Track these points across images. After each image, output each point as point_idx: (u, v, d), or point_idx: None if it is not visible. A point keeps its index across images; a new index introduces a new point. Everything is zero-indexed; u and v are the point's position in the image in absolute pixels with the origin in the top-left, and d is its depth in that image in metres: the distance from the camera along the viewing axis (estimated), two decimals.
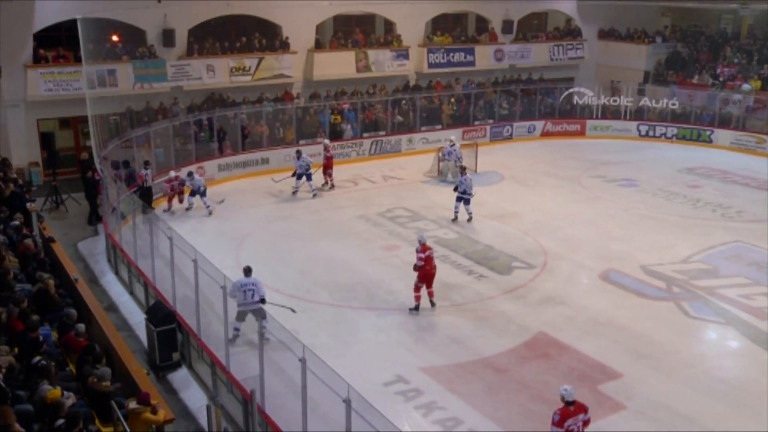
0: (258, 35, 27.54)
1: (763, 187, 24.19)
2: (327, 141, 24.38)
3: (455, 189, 20.13)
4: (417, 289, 14.76)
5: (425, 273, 14.66)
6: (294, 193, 22.39)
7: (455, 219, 20.22)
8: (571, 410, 9.19)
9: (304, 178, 22.21)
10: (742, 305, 15.26)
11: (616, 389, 12.10)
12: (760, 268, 17.27)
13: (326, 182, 23.51)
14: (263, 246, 18.54)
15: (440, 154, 24.93)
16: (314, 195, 22.36)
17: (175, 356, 13.12)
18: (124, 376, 10.67)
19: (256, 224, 20.17)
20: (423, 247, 14.66)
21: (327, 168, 23.46)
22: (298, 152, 22.64)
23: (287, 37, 28.14)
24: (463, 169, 20.77)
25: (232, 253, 17.71)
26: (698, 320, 14.82)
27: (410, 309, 14.76)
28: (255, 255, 17.55)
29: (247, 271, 13.05)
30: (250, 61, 26.92)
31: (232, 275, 13.12)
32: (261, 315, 12.18)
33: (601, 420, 11.13)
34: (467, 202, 20.02)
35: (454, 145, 24.49)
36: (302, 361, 8.96)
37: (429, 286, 14.80)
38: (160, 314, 13.13)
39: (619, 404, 11.68)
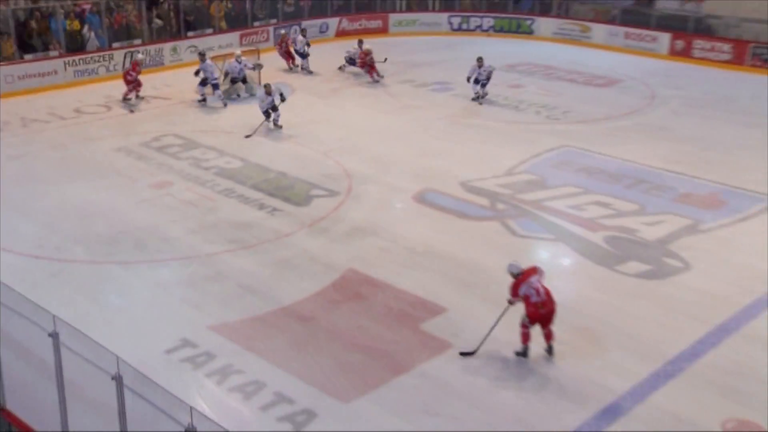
0: None
1: (590, 82, 25.99)
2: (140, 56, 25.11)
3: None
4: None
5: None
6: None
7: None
8: (519, 278, 11.49)
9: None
10: (572, 217, 16.49)
11: (440, 326, 12.67)
12: (590, 173, 18.71)
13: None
14: None
15: (225, 69, 24.44)
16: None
17: None
18: None
19: None
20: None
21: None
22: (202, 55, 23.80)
23: None
24: (202, 56, 23.48)
25: None
26: (526, 238, 15.82)
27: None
28: None
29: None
30: None
31: None
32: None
33: (426, 363, 11.70)
34: (216, 86, 23.14)
35: (241, 60, 24.13)
36: (53, 335, 8.67)
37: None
38: None
39: (445, 342, 12.24)
